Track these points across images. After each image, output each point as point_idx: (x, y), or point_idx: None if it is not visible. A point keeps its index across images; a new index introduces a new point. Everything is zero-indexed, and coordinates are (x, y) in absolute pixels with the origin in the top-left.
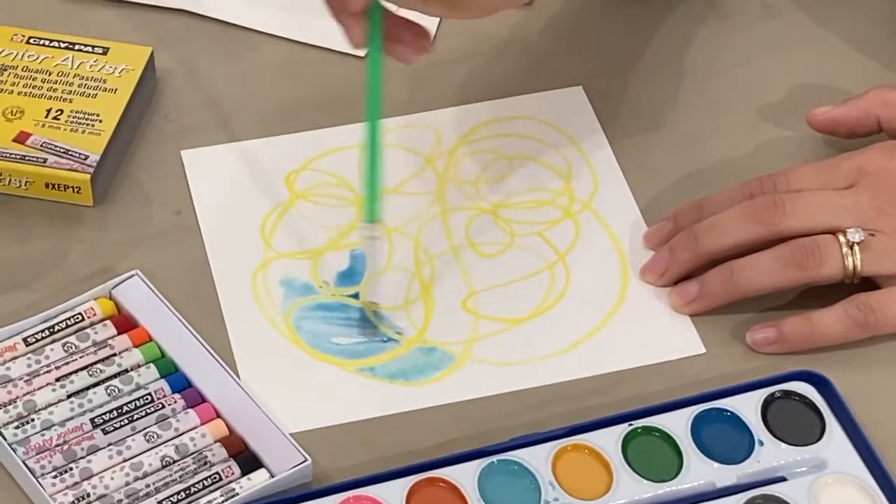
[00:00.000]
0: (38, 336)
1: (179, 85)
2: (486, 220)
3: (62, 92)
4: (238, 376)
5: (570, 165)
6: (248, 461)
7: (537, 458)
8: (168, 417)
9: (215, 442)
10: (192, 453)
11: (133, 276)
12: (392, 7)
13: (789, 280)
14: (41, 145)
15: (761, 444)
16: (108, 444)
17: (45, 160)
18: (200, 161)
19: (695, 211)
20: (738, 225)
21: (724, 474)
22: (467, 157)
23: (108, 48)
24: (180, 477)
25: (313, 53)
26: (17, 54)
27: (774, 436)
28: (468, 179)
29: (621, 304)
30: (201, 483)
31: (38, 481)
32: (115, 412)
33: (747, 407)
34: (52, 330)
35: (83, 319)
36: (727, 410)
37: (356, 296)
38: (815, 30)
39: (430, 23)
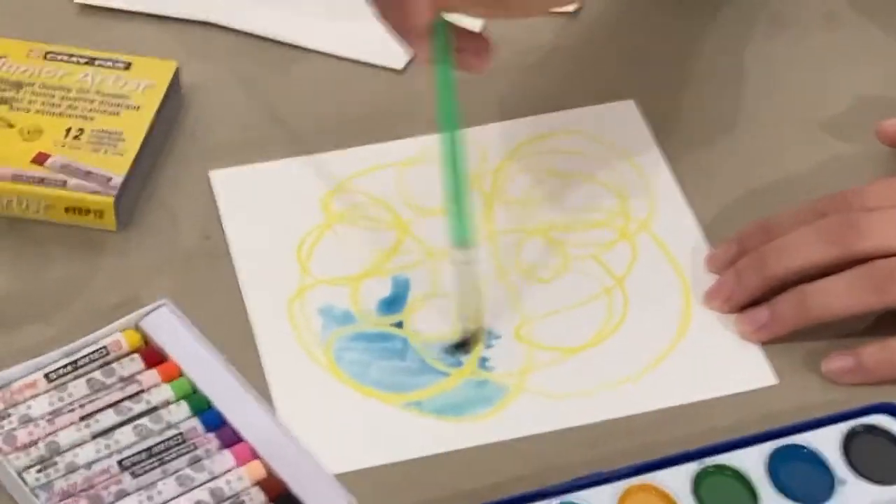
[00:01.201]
0: (61, 372)
1: (207, 101)
2: (537, 243)
3: (82, 110)
4: (275, 412)
5: (625, 184)
6: None
7: (602, 500)
8: (201, 459)
9: (253, 485)
10: (229, 498)
11: (161, 305)
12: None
13: (866, 305)
14: (60, 167)
15: (843, 483)
16: (138, 489)
17: (65, 182)
18: (230, 182)
19: (762, 231)
20: (810, 246)
21: None
22: (515, 176)
23: (130, 63)
24: None
25: (349, 67)
26: (35, 70)
27: (858, 473)
28: (517, 199)
29: (685, 331)
30: None
31: None
32: (144, 454)
33: (827, 443)
34: (75, 365)
35: (108, 353)
36: (805, 447)
37: (400, 324)
38: (880, 39)
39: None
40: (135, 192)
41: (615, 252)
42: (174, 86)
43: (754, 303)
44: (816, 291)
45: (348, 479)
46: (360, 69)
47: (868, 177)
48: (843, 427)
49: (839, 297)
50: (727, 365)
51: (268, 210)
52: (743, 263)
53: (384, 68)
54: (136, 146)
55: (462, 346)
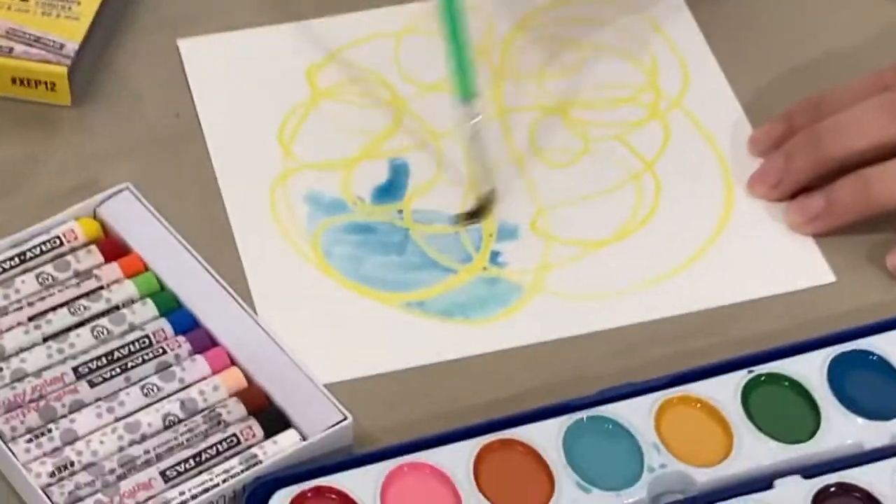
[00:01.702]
0: (6, 265)
1: None
2: (553, 123)
3: None
4: (256, 313)
5: (655, 55)
6: (273, 420)
7: (637, 414)
8: (171, 366)
9: (231, 396)
10: (202, 410)
11: (123, 190)
12: None
13: None
14: (6, 32)
15: None
16: (96, 400)
17: (11, 50)
18: (202, 52)
19: (815, 107)
20: (874, 123)
21: (874, 433)
22: (527, 47)
23: None
24: (188, 440)
25: None
26: None
27: None
28: (530, 73)
29: (726, 222)
30: (214, 448)
31: (9, 447)
32: (103, 359)
33: None
34: (23, 258)
35: (62, 244)
36: (871, 353)
37: (398, 214)
38: None
39: None
40: (92, 63)
41: (644, 132)
42: None
43: (806, 189)
44: (881, 175)
45: (340, 391)
46: None
47: None
48: None
49: None
50: (776, 261)
51: (245, 84)
52: (793, 144)
53: None
54: (93, 9)
55: (476, 213)
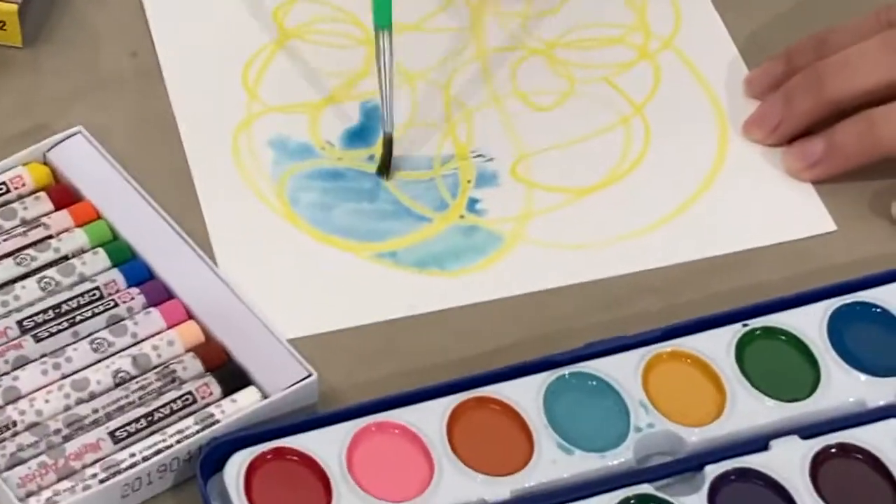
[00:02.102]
0: None
1: None
2: (537, 63)
3: None
4: (216, 265)
5: None
6: (232, 377)
7: (623, 370)
8: (123, 319)
9: (187, 351)
10: (156, 367)
11: (75, 134)
12: None
13: None
14: None
15: None
16: (42, 356)
17: None
18: None
19: (816, 46)
20: (879, 61)
21: (877, 389)
22: None
23: None
24: (140, 399)
25: None
26: None
27: None
28: (512, 11)
29: (720, 168)
30: (168, 407)
31: None
32: (50, 312)
33: None
34: None
35: (8, 191)
36: (875, 305)
37: (370, 159)
38: None
39: None
40: (46, 2)
41: (633, 74)
42: None
43: (806, 133)
44: (887, 116)
45: (305, 346)
46: None
47: None
48: None
49: None
50: (773, 208)
51: (209, 23)
52: (793, 84)
53: None
54: None
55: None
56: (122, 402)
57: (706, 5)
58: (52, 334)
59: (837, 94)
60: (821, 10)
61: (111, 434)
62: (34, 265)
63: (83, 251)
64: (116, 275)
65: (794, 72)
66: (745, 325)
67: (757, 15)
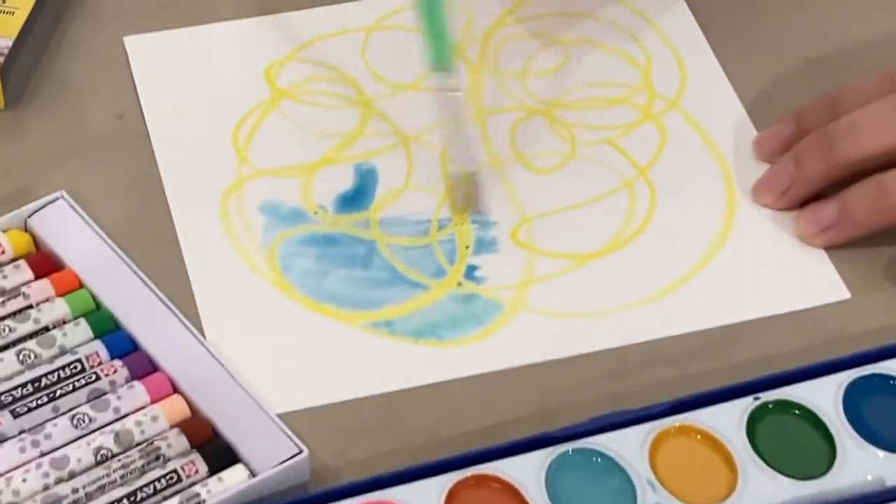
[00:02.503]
0: None
1: None
2: (537, 125)
3: None
4: (203, 335)
5: (648, 52)
6: (219, 454)
7: (629, 447)
8: (105, 393)
9: (172, 427)
10: (140, 443)
11: (57, 199)
12: None
13: None
14: None
15: None
16: (20, 432)
17: None
18: (151, 49)
19: (827, 106)
20: (891, 123)
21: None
22: (509, 43)
23: None
24: (122, 478)
25: None
26: None
27: None
28: (512, 71)
29: (728, 233)
30: (152, 486)
31: None
32: (29, 386)
33: None
34: None
35: None
36: (892, 377)
37: (365, 224)
38: None
39: None
40: (29, 61)
41: (638, 135)
42: None
43: (817, 197)
44: None
45: (296, 421)
46: None
47: None
48: None
49: None
50: (784, 275)
51: (197, 83)
52: (804, 146)
53: None
54: (31, 2)
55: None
56: (104, 482)
57: (712, 64)
58: (30, 409)
59: (849, 158)
60: (831, 68)
61: None
62: (12, 337)
63: (64, 322)
64: (99, 346)
65: (804, 133)
66: (756, 399)
67: (765, 74)
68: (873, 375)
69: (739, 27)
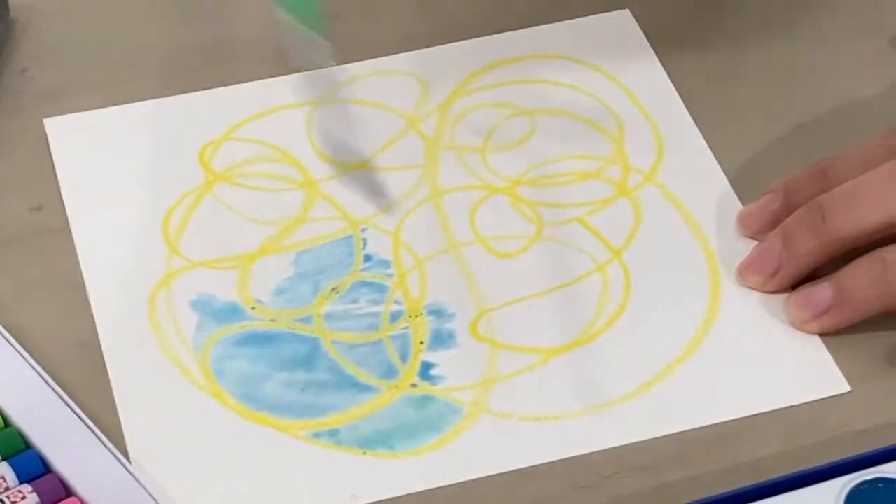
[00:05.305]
0: None
1: (43, 28)
2: (499, 204)
3: None
4: (126, 455)
5: (621, 121)
6: None
7: None
8: None
9: None
10: None
11: None
12: None
13: None
14: None
15: None
16: None
17: None
18: (72, 132)
19: (818, 177)
20: (889, 193)
21: None
22: (468, 115)
23: None
24: None
25: None
26: None
27: None
28: (471, 146)
29: (712, 321)
30: None
31: None
32: None
33: None
34: None
35: None
36: None
37: (307, 320)
38: None
39: None
40: None
41: (610, 213)
42: None
43: (810, 277)
44: None
45: None
46: None
47: None
48: None
49: None
50: (776, 367)
51: (124, 169)
52: (793, 221)
53: None
54: None
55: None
56: None
57: (692, 131)
58: None
59: (844, 232)
60: (821, 136)
61: None
62: None
63: None
64: (6, 469)
65: (793, 207)
66: None
67: (749, 143)
68: (878, 480)
69: (721, 90)
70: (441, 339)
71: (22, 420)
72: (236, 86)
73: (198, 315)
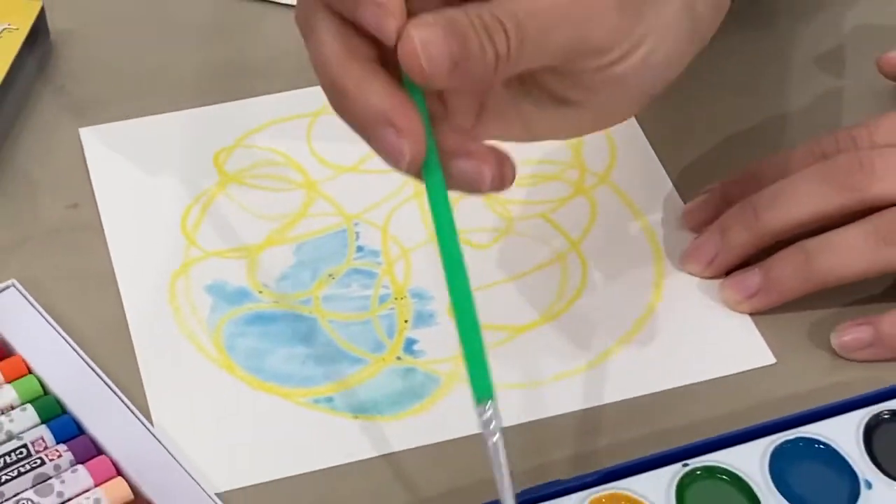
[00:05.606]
0: None
1: (79, 48)
2: (474, 203)
3: None
4: (150, 420)
5: None
6: None
7: None
8: (49, 478)
9: None
10: None
11: (8, 287)
12: None
13: (886, 263)
14: None
15: (868, 485)
16: None
17: None
18: (104, 140)
19: (750, 178)
20: (813, 193)
21: None
22: None
23: None
24: None
25: (244, 5)
26: None
27: (885, 473)
28: None
29: (657, 303)
30: None
31: None
32: None
33: (844, 435)
34: None
35: None
36: (817, 441)
37: (308, 302)
38: None
39: None
40: None
41: (569, 209)
42: (39, 30)
43: (743, 265)
44: (823, 248)
45: (239, 499)
46: (259, 7)
47: (868, 113)
48: (863, 415)
49: (851, 254)
50: (711, 342)
51: (149, 172)
52: (728, 217)
53: (286, 5)
54: None
55: None
56: None
57: (641, 140)
58: None
59: (772, 226)
60: (754, 143)
61: None
62: None
63: (12, 408)
64: (44, 432)
65: (729, 204)
66: (685, 465)
67: (690, 149)
68: (799, 439)
69: (666, 103)
70: (423, 319)
71: (59, 389)
72: (247, 100)
73: (212, 298)
